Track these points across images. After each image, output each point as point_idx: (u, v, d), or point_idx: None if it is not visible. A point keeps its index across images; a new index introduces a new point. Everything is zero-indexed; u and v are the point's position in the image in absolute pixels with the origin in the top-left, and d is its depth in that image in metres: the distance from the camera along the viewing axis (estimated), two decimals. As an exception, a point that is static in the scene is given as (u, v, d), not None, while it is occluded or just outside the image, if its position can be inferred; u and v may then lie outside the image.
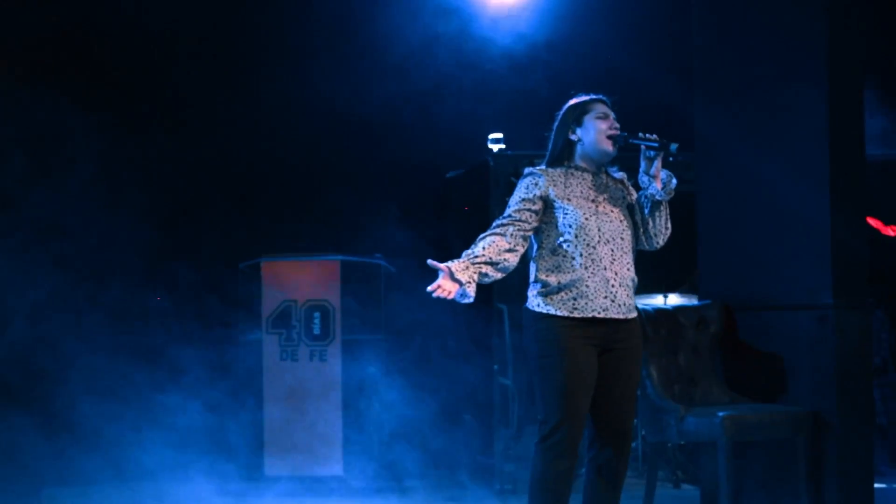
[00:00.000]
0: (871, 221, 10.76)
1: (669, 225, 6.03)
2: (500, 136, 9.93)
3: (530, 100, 10.29)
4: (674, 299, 10.17)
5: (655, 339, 7.93)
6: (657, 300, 10.13)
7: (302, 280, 9.69)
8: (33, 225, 9.28)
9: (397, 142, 10.82)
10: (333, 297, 9.65)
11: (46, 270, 9.13)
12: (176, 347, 9.31)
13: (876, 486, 7.85)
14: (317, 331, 9.63)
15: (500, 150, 9.89)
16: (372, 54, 10.83)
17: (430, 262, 5.69)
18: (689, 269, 10.36)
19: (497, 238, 5.80)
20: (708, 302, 8.18)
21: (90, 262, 9.43)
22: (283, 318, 9.64)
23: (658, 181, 5.93)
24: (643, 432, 8.57)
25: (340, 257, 9.71)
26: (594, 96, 6.07)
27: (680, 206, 9.50)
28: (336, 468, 9.51)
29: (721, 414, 7.40)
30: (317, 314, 9.64)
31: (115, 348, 9.42)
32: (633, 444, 9.98)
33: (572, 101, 6.07)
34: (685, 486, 9.43)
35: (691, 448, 9.25)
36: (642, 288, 10.56)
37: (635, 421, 9.52)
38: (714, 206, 8.30)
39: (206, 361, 9.30)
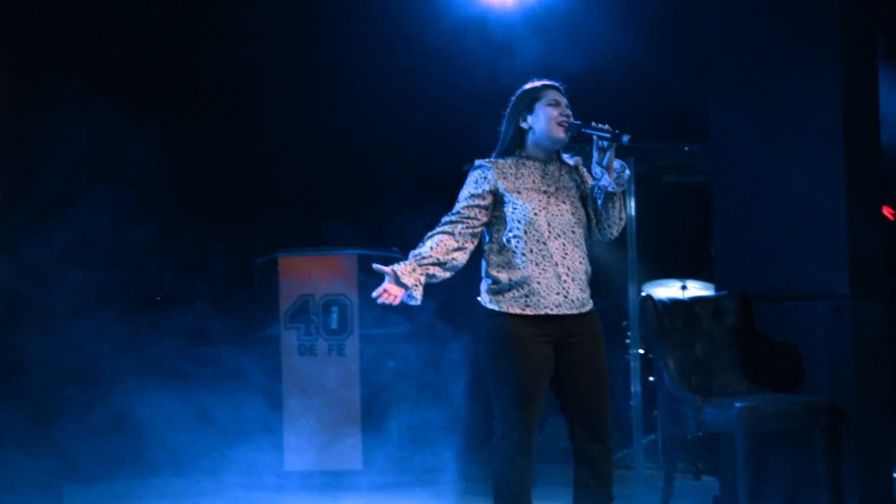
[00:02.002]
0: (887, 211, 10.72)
1: (624, 216, 5.88)
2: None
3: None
4: (693, 286, 10.19)
5: (672, 330, 7.94)
6: (675, 288, 10.14)
7: (319, 274, 9.69)
8: (52, 223, 9.32)
9: (413, 135, 10.83)
10: (351, 291, 9.65)
11: (66, 269, 9.16)
12: (193, 343, 9.33)
13: None
14: (334, 325, 9.63)
15: (516, 142, 9.89)
16: (388, 50, 10.85)
17: (375, 266, 5.65)
18: (706, 256, 10.39)
19: (445, 237, 5.72)
20: (724, 293, 8.18)
21: (103, 260, 9.44)
22: (300, 313, 9.65)
23: (611, 173, 5.76)
24: (661, 424, 8.58)
25: (357, 251, 9.71)
26: (547, 82, 5.95)
27: (697, 195, 9.58)
28: (356, 462, 9.51)
29: (738, 405, 7.40)
30: (334, 308, 9.65)
31: (132, 343, 9.45)
32: (653, 436, 10.00)
33: (524, 87, 5.95)
34: (705, 478, 9.44)
35: (710, 439, 9.26)
36: (660, 274, 10.68)
37: (655, 412, 9.58)
38: (729, 198, 8.30)
39: (224, 356, 9.32)
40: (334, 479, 9.44)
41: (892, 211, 10.31)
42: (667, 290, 10.08)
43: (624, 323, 9.96)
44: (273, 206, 10.92)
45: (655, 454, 9.93)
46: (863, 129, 7.81)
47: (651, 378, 9.87)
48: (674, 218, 10.89)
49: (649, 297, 8.01)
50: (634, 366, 9.21)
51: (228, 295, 9.74)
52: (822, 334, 7.75)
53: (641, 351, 9.57)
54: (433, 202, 10.36)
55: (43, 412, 8.93)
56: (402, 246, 9.75)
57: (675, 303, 8.13)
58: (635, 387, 9.14)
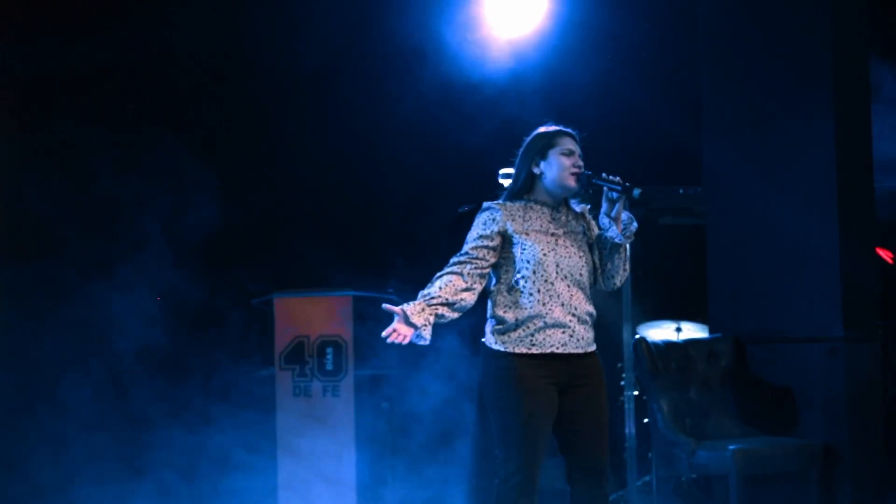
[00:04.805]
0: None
1: (628, 267, 5.93)
2: (510, 171, 9.95)
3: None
4: (688, 328, 10.18)
5: (666, 372, 7.94)
6: (670, 330, 10.14)
7: (314, 315, 9.67)
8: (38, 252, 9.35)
9: (409, 177, 10.85)
10: (346, 332, 9.63)
11: (51, 309, 9.19)
12: (188, 384, 9.32)
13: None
14: (329, 366, 9.61)
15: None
16: (383, 91, 10.87)
17: (384, 305, 5.66)
18: (701, 299, 10.38)
19: (454, 277, 5.74)
20: (718, 335, 8.19)
21: (96, 300, 9.44)
22: (295, 354, 9.63)
23: (619, 224, 5.81)
24: (655, 465, 8.57)
25: (352, 292, 9.69)
26: (562, 128, 5.96)
27: (692, 237, 9.60)
28: (350, 504, 9.50)
29: (732, 447, 7.40)
30: (329, 349, 9.63)
31: (127, 384, 9.44)
32: (647, 478, 9.98)
33: (539, 130, 5.96)
34: (699, 520, 9.42)
35: (704, 481, 9.24)
36: (655, 315, 10.67)
37: (649, 454, 9.56)
38: (723, 240, 8.32)
39: (219, 398, 9.31)
40: (329, 521, 9.41)
41: (891, 255, 10.32)
42: (661, 332, 10.07)
43: (619, 365, 9.94)
44: (269, 247, 10.91)
45: (650, 496, 9.88)
46: (856, 171, 7.84)
47: (646, 420, 9.86)
48: (669, 260, 10.90)
49: (643, 339, 8.02)
50: (629, 407, 9.20)
51: (223, 336, 9.72)
52: (816, 377, 7.76)
53: (636, 392, 9.56)
54: (428, 243, 10.43)
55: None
56: (398, 286, 9.77)
57: (669, 345, 8.14)
58: (630, 428, 9.13)
